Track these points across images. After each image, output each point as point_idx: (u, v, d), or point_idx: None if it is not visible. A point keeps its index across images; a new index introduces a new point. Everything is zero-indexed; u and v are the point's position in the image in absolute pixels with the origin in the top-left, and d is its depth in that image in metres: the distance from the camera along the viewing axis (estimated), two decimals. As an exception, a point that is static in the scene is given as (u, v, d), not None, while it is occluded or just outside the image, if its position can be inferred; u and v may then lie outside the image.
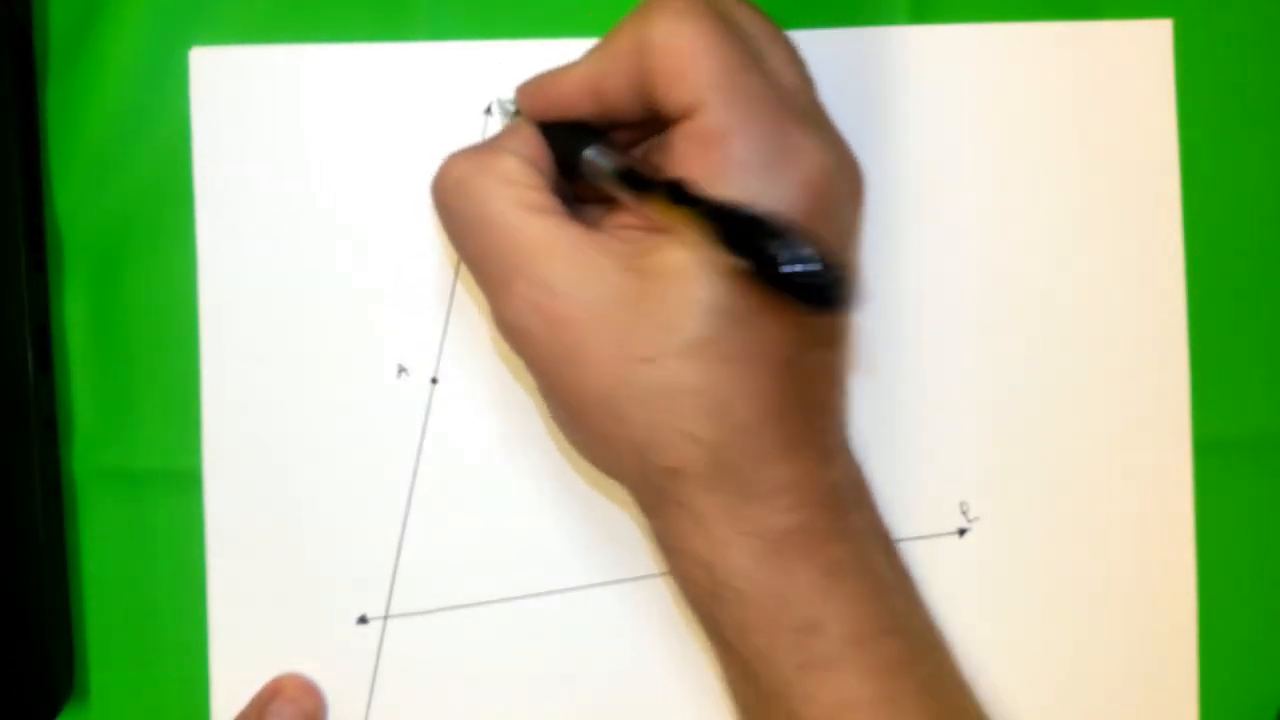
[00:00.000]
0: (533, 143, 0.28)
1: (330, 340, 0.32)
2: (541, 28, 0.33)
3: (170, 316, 0.32)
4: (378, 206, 0.32)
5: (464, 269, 0.32)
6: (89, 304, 0.33)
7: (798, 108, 0.26)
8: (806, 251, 0.21)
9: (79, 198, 0.33)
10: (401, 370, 0.32)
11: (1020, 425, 0.33)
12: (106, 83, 0.33)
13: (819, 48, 0.32)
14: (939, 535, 0.32)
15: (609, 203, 0.28)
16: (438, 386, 0.32)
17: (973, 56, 0.33)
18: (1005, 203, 0.33)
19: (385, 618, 0.32)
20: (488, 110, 0.32)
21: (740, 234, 0.22)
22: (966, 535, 0.32)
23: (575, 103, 0.27)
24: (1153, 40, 0.33)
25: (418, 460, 0.32)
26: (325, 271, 0.32)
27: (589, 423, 0.26)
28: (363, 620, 0.32)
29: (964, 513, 0.32)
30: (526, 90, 0.29)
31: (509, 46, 0.32)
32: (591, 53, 0.27)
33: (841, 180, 0.26)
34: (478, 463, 0.32)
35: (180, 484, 0.32)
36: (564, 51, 0.32)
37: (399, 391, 0.32)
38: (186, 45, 0.32)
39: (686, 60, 0.25)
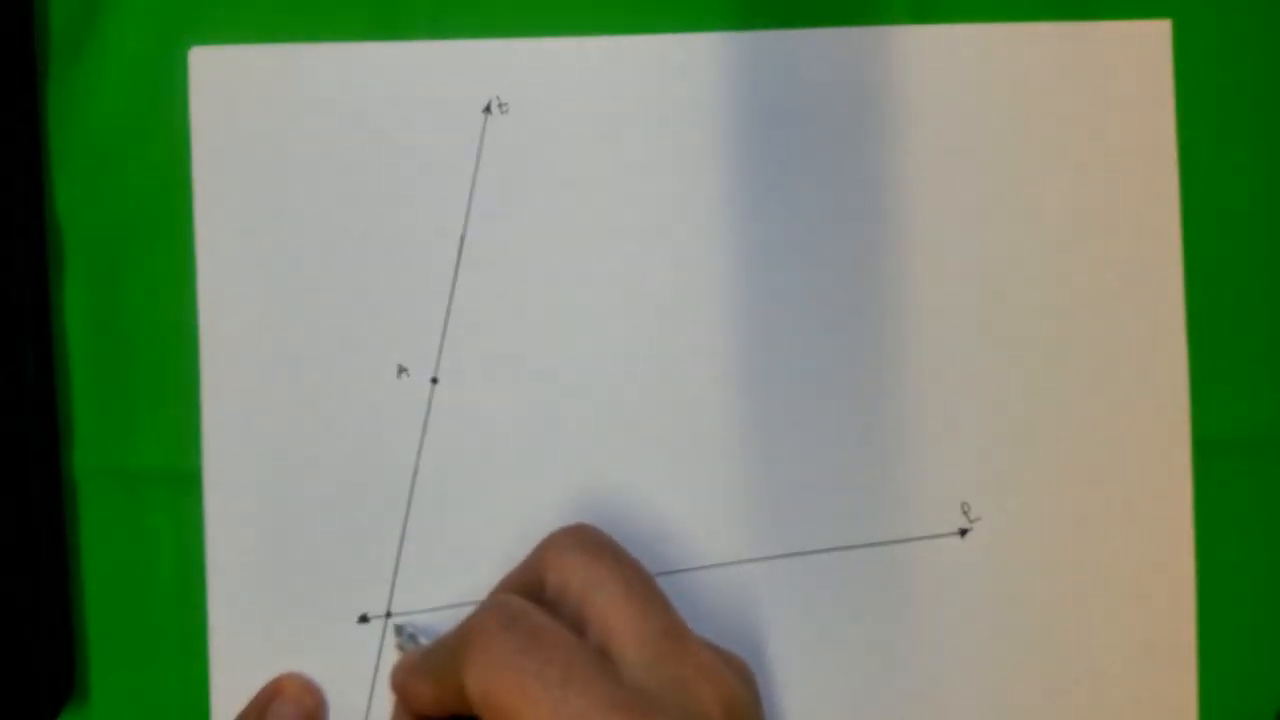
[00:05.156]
0: None
1: (330, 340, 0.32)
2: (543, 26, 0.33)
3: (170, 316, 0.32)
4: (377, 206, 0.32)
5: (464, 267, 0.32)
6: (89, 304, 0.32)
7: (642, 697, 0.25)
8: None
9: (79, 197, 0.33)
10: (401, 370, 0.32)
11: (1021, 425, 0.33)
12: (106, 82, 0.32)
13: (818, 47, 0.32)
14: (940, 536, 0.32)
15: None
16: (438, 386, 0.32)
17: (973, 56, 0.33)
18: (1004, 203, 0.33)
19: (386, 616, 0.32)
20: (487, 109, 0.32)
21: None
22: (968, 535, 0.32)
23: (439, 712, 0.27)
24: (1152, 40, 0.33)
25: (418, 460, 0.32)
26: (325, 271, 0.32)
27: None
28: (364, 619, 0.32)
29: (965, 513, 0.32)
30: (395, 686, 0.29)
31: (510, 46, 0.32)
32: (432, 672, 0.27)
33: None
34: (478, 462, 0.32)
35: (180, 484, 0.32)
36: (565, 51, 0.32)
37: (399, 391, 0.32)
38: (186, 45, 0.32)
39: (508, 714, 0.24)
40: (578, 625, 0.26)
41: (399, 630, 0.31)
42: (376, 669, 0.32)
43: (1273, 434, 0.33)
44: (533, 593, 0.27)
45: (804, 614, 0.32)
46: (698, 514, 0.32)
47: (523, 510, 0.32)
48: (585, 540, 0.28)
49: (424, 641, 0.31)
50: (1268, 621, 0.33)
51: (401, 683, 0.29)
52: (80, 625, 0.32)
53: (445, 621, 0.32)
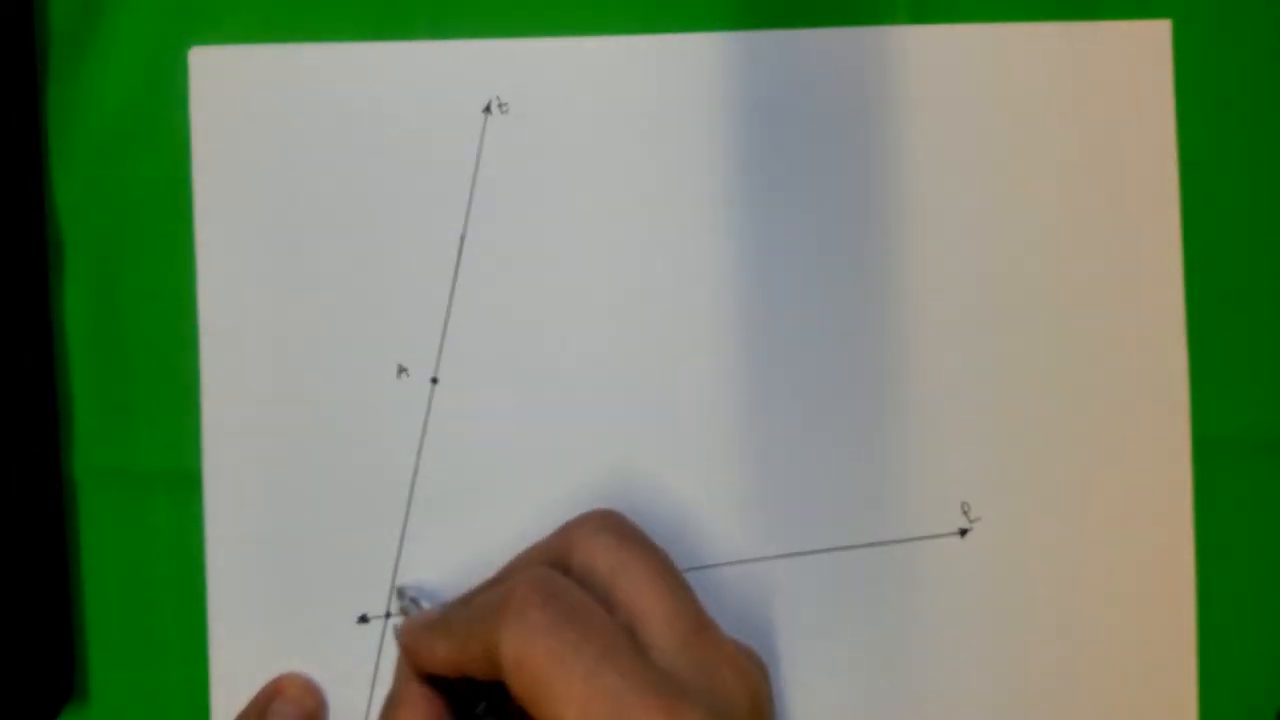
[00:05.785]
0: (422, 709, 0.28)
1: (330, 340, 0.32)
2: (543, 26, 0.33)
3: (170, 316, 0.32)
4: (377, 206, 0.32)
5: (464, 267, 0.32)
6: (89, 304, 0.33)
7: (673, 680, 0.25)
8: None
9: (79, 197, 0.33)
10: (401, 370, 0.32)
11: (1020, 425, 0.33)
12: (106, 82, 0.33)
13: (818, 48, 0.33)
14: (940, 536, 0.32)
15: None
16: (438, 386, 0.32)
17: (972, 56, 0.33)
18: (1004, 203, 0.33)
19: (386, 617, 0.32)
20: (487, 109, 0.32)
21: None
22: (968, 535, 0.32)
23: (450, 672, 0.27)
24: (1152, 40, 0.33)
25: (418, 460, 0.32)
26: (325, 271, 0.32)
27: None
28: (363, 620, 0.32)
29: (965, 513, 0.33)
30: (404, 645, 0.29)
31: (510, 46, 0.33)
32: (453, 632, 0.27)
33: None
34: (478, 463, 0.32)
35: (180, 484, 0.32)
36: (565, 51, 0.33)
37: (399, 391, 0.32)
38: (186, 45, 0.32)
39: (540, 683, 0.24)
40: (605, 607, 0.26)
41: (400, 593, 0.31)
42: (376, 669, 0.32)
43: (1273, 434, 0.33)
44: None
45: (804, 614, 0.32)
46: (698, 514, 0.32)
47: (523, 510, 0.32)
48: (613, 525, 0.28)
49: (425, 605, 0.31)
50: (1268, 621, 0.33)
51: (413, 641, 0.29)
52: (80, 625, 0.32)
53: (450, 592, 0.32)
